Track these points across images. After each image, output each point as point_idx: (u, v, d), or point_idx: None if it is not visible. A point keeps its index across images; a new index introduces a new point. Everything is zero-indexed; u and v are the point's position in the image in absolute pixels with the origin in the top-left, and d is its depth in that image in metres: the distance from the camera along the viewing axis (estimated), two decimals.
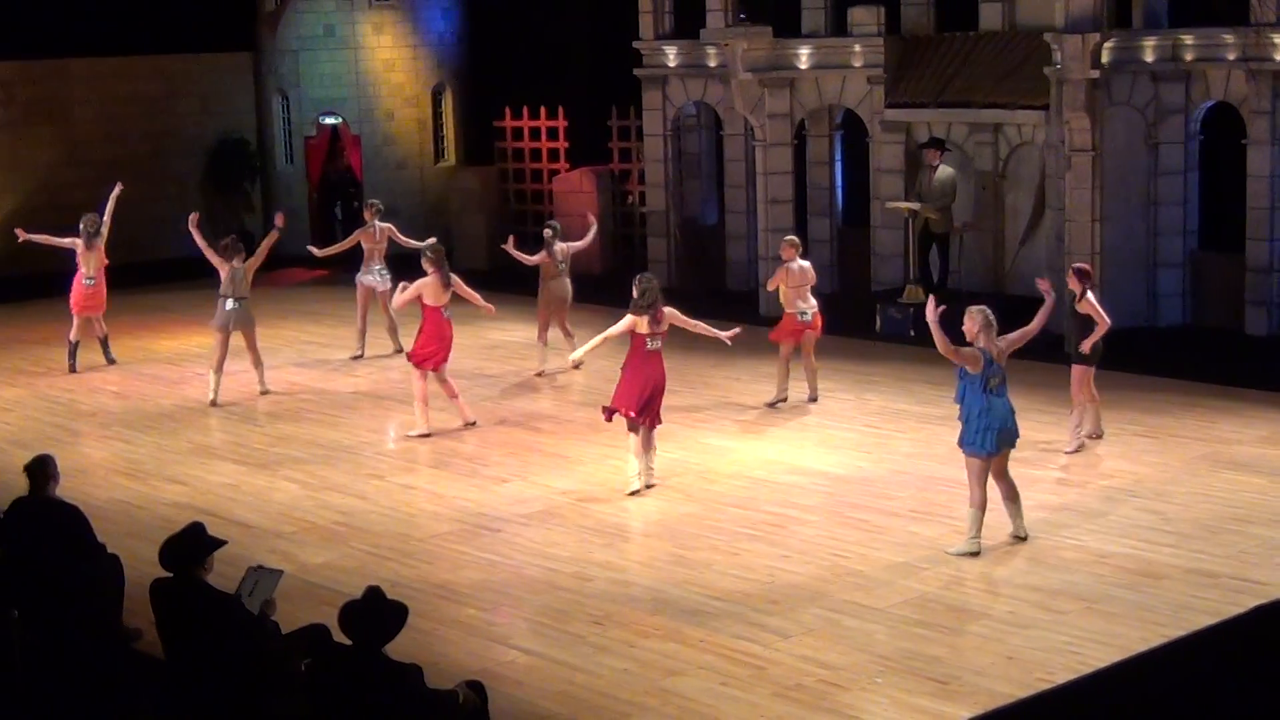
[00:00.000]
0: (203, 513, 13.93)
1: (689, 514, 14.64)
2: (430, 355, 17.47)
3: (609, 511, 14.75)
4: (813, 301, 18.45)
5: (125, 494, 15.76)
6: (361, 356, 21.91)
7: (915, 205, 22.18)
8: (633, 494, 15.24)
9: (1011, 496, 13.44)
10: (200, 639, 9.44)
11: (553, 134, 29.48)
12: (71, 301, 21.43)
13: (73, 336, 21.50)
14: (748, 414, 18.20)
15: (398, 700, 8.45)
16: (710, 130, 27.24)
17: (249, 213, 31.76)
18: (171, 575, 9.64)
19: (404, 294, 17.49)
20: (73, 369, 21.42)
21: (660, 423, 15.62)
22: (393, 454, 16.96)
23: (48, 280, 26.04)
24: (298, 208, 31.13)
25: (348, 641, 8.64)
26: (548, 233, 20.77)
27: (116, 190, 21.98)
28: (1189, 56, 21.10)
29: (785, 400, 18.54)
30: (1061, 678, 10.75)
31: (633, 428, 15.29)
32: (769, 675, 10.90)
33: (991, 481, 13.25)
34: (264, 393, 19.74)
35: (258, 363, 19.79)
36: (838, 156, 25.29)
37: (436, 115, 31.64)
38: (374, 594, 8.74)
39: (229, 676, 9.32)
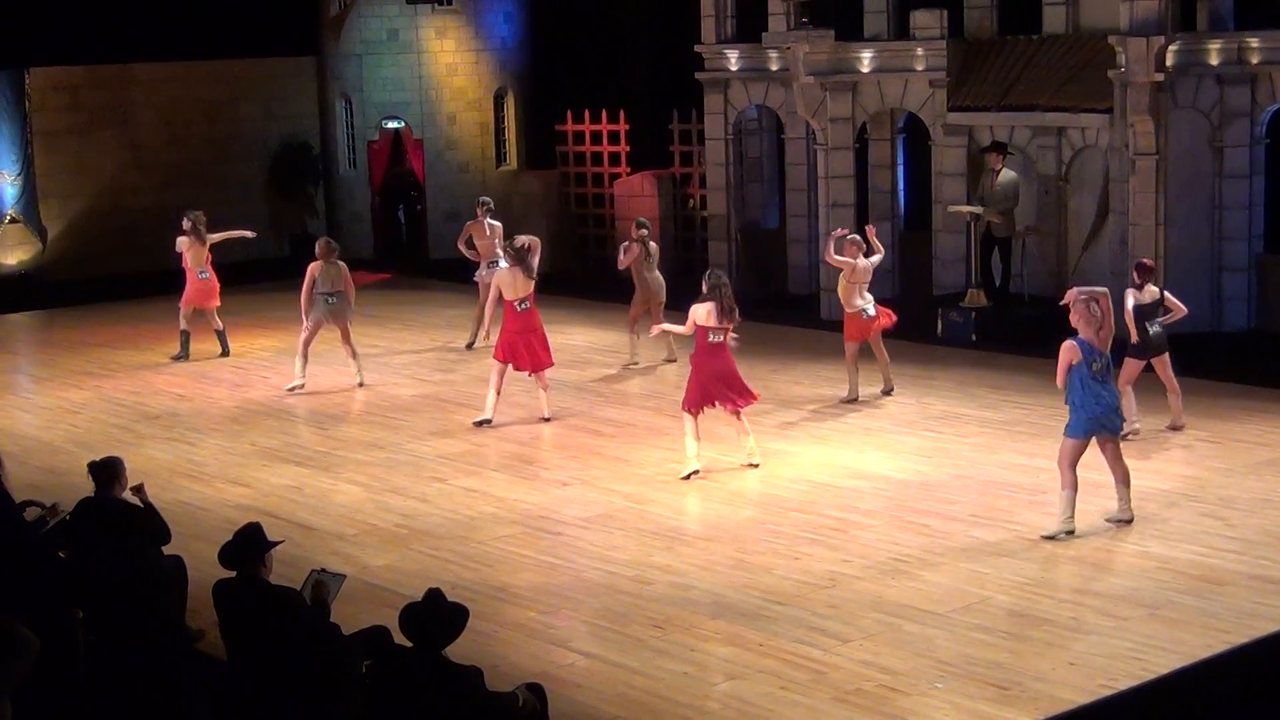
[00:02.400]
0: (265, 515, 14.01)
1: (749, 518, 14.63)
2: (513, 353, 18.02)
3: (669, 515, 14.76)
4: (869, 296, 18.64)
5: (189, 495, 15.86)
6: (473, 346, 22.71)
7: (977, 209, 22.10)
8: (687, 477, 15.67)
9: (1123, 480, 13.84)
10: (262, 640, 9.50)
11: (614, 138, 29.50)
12: (187, 295, 22.11)
13: (184, 326, 22.23)
14: (809, 418, 18.16)
15: (458, 702, 8.47)
16: (772, 134, 27.20)
17: (312, 217, 31.93)
18: (233, 576, 9.70)
19: (489, 294, 18.36)
20: (185, 356, 22.20)
21: (751, 400, 16.04)
22: (455, 457, 17.00)
23: (112, 284, 26.33)
24: (360, 212, 31.33)
25: (408, 643, 8.68)
26: (644, 231, 21.10)
27: (245, 235, 22.91)
28: (1254, 59, 20.94)
29: (857, 399, 18.65)
30: (1124, 684, 10.68)
31: (693, 415, 15.85)
32: (829, 680, 10.88)
33: (1054, 487, 13.33)
34: (360, 385, 20.39)
35: (354, 355, 20.48)
36: (900, 160, 25.21)
37: (498, 119, 31.75)
38: (435, 596, 8.77)
39: (290, 677, 9.37)
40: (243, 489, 16.11)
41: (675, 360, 20.94)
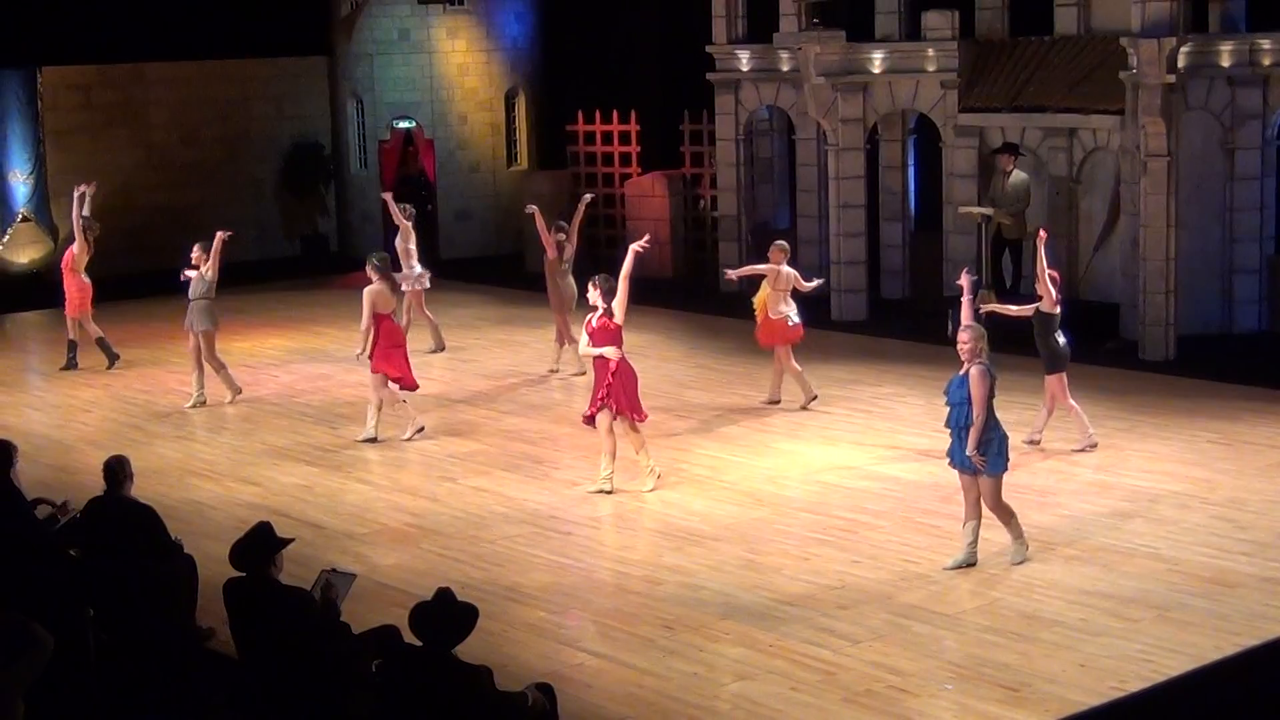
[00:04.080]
0: (275, 513, 14.03)
1: (759, 518, 14.63)
2: (394, 365, 17.52)
3: (679, 515, 14.76)
4: (793, 304, 18.50)
5: (199, 494, 15.89)
6: (443, 349, 22.31)
7: (988, 210, 22.08)
8: (598, 491, 15.42)
9: (978, 522, 13.07)
10: (272, 638, 9.51)
11: (625, 138, 29.49)
12: (83, 302, 21.63)
13: (96, 333, 21.75)
14: (818, 418, 18.16)
15: (467, 702, 8.47)
16: (782, 134, 27.19)
17: (323, 216, 31.96)
18: (243, 575, 9.72)
19: (364, 312, 17.53)
20: (115, 357, 21.84)
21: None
22: (465, 456, 17.01)
23: (122, 283, 26.33)
24: (371, 212, 31.32)
25: (418, 643, 8.68)
26: (560, 236, 20.74)
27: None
28: (1266, 61, 20.91)
29: (816, 398, 18.60)
30: (1134, 686, 10.68)
31: (634, 427, 15.38)
32: (838, 680, 10.88)
33: (1068, 490, 13.23)
34: (197, 406, 19.68)
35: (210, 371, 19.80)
36: (910, 161, 25.19)
37: (509, 119, 31.76)
38: (445, 595, 8.78)
39: (300, 676, 9.38)
40: (253, 488, 16.13)
41: (585, 373, 20.45)
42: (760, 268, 18.61)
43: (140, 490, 12.43)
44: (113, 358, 21.85)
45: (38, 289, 27.76)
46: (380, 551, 13.98)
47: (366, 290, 17.63)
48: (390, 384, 17.65)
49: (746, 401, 19.01)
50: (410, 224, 22.25)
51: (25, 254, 28.76)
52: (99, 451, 15.24)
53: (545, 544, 14.05)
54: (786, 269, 18.43)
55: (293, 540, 10.16)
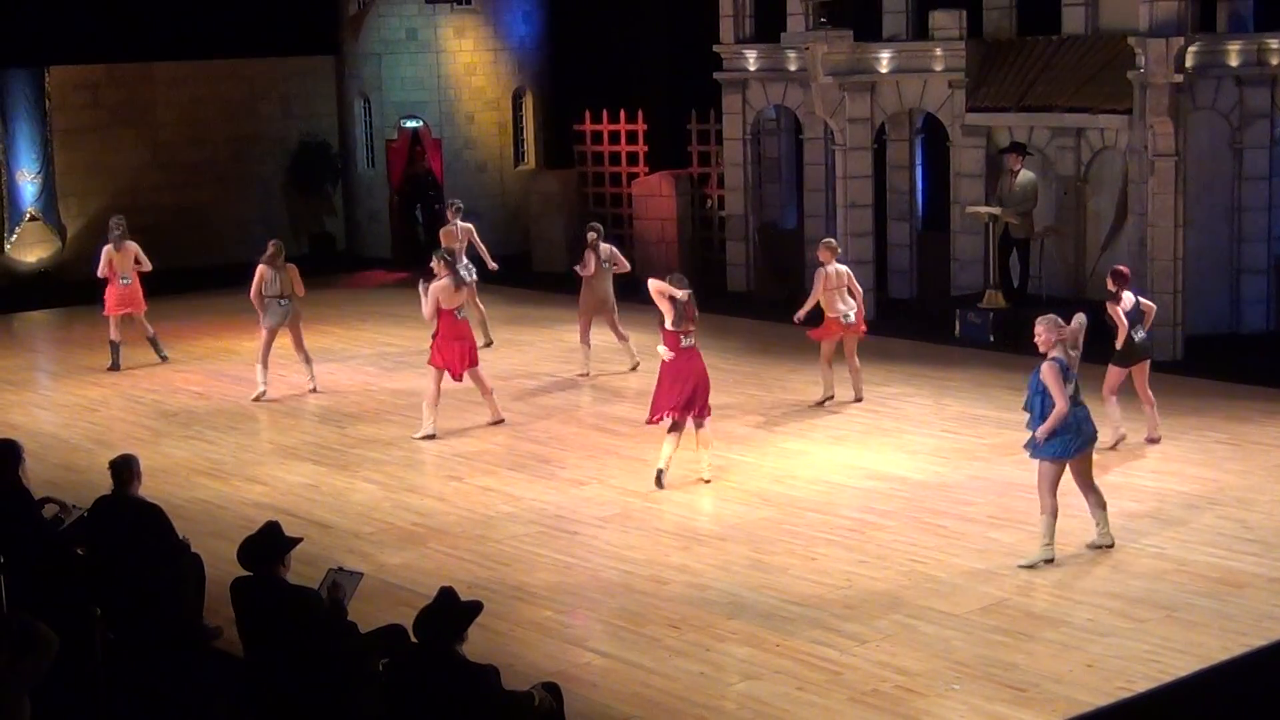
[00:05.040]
0: (282, 513, 14.03)
1: (766, 518, 14.62)
2: (450, 359, 17.63)
3: (686, 515, 14.76)
4: (852, 302, 18.40)
5: (206, 493, 15.90)
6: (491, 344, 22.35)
7: (996, 210, 22.07)
8: (658, 480, 15.46)
9: (1100, 504, 13.31)
10: (279, 637, 9.52)
11: (632, 137, 29.47)
12: (108, 302, 21.60)
13: (113, 336, 21.71)
14: (825, 418, 18.16)
15: (474, 701, 8.47)
16: (790, 134, 27.17)
17: (330, 215, 31.98)
18: (251, 574, 9.72)
19: (426, 304, 17.58)
20: (116, 367, 21.66)
21: (709, 414, 15.70)
22: (472, 455, 17.02)
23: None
24: (379, 210, 31.35)
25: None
26: (591, 235, 20.72)
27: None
28: (1274, 60, 20.90)
29: (832, 398, 18.59)
30: (1141, 686, 10.68)
31: (675, 428, 15.49)
32: (845, 680, 10.88)
33: (1076, 490, 13.20)
34: (313, 390, 19.97)
35: (307, 359, 20.10)
36: (918, 161, 25.16)
37: (517, 119, 31.75)
38: (446, 594, 8.77)
39: (307, 675, 9.38)
40: (260, 487, 16.14)
41: (588, 374, 20.56)
42: (813, 299, 18.37)
43: (148, 489, 12.43)
44: (115, 364, 21.79)
45: (45, 288, 27.82)
46: (387, 551, 13.98)
47: (433, 285, 17.56)
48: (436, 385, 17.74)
49: (753, 401, 19.01)
50: (459, 221, 22.47)
51: (33, 253, 28.79)
52: (106, 450, 15.25)
53: (552, 543, 14.06)
54: (834, 267, 18.34)
55: (301, 540, 10.18)
